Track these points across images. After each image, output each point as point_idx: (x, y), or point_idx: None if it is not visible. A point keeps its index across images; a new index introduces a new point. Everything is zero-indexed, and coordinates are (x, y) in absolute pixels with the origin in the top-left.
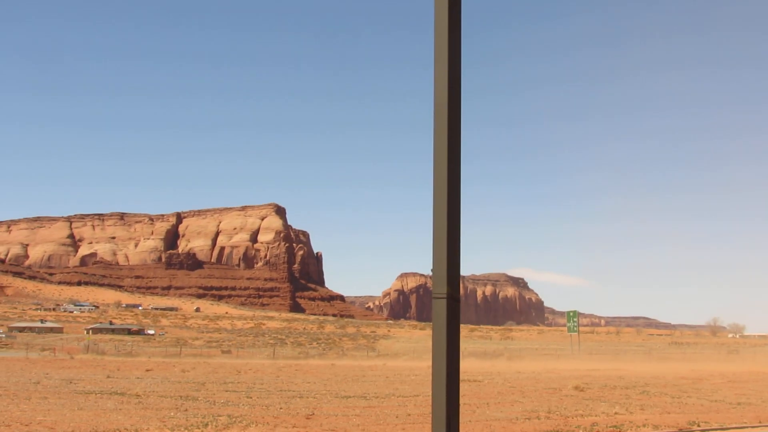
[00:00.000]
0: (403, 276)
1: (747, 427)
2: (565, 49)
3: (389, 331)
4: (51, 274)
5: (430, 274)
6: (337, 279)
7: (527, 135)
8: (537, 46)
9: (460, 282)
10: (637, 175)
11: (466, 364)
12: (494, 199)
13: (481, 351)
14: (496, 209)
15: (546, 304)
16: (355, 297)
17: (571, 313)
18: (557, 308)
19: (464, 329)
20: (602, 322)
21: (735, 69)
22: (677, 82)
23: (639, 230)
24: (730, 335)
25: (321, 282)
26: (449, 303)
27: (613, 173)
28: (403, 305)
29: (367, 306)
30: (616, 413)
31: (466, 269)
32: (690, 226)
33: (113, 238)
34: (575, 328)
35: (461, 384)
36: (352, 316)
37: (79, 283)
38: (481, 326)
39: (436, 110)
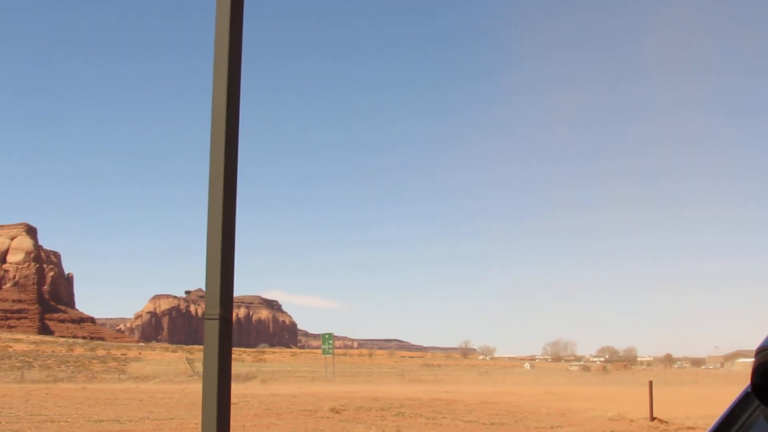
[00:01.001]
0: (156, 298)
1: None
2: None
3: (140, 353)
4: None
5: (184, 296)
6: (89, 301)
7: (294, 161)
8: (310, 82)
9: None
10: (390, 203)
11: None
12: (250, 222)
13: (235, 373)
14: (251, 231)
15: (300, 326)
16: (107, 319)
17: (327, 336)
18: (310, 330)
19: None
20: (355, 344)
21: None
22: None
23: (392, 253)
24: (481, 357)
25: (72, 304)
26: (222, 324)
27: (367, 201)
28: (156, 327)
29: (118, 328)
30: None
31: None
32: (441, 248)
33: None
34: (330, 351)
35: None
36: (102, 339)
37: None
38: (234, 348)
39: (213, 130)
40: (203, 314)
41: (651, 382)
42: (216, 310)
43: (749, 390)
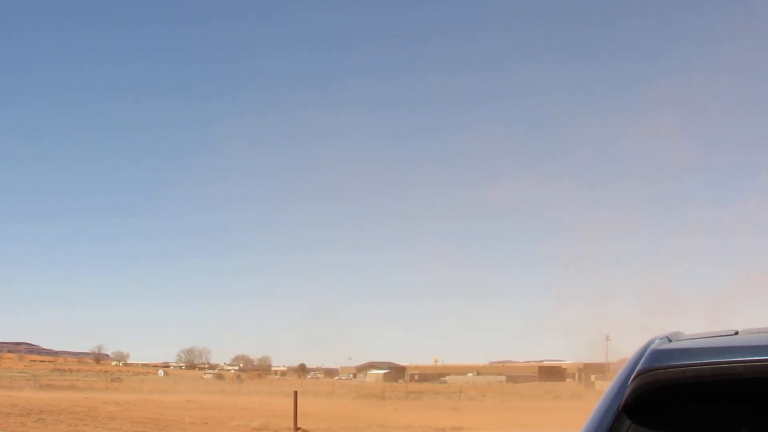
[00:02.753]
0: None
1: None
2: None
3: None
4: None
5: None
6: None
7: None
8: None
9: None
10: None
11: None
12: None
13: None
14: None
15: None
16: None
17: None
18: None
19: None
20: None
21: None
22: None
23: (23, 253)
24: (114, 363)
25: None
26: None
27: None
28: None
29: None
30: None
31: None
32: (71, 249)
33: None
34: None
35: None
36: None
37: None
38: None
39: None
40: None
41: (296, 393)
42: None
43: (619, 409)
